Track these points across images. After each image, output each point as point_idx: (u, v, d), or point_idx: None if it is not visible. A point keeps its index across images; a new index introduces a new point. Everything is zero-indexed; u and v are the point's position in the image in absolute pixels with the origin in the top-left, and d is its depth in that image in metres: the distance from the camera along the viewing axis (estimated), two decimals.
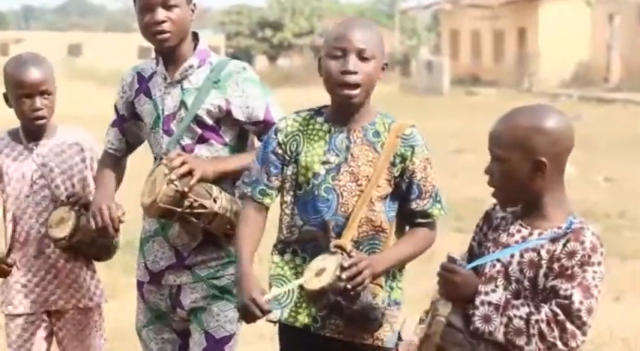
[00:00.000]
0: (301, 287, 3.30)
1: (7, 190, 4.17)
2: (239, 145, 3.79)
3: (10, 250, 4.10)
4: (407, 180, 3.38)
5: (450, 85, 37.48)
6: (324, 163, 3.37)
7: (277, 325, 3.46)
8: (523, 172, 2.94)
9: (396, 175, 3.37)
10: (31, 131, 4.17)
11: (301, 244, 3.39)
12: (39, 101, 4.07)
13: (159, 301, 3.86)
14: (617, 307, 7.04)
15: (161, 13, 3.65)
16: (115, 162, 3.96)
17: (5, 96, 4.15)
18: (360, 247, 3.35)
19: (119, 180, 4.00)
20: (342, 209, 3.34)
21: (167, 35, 3.68)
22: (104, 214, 3.76)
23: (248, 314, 3.30)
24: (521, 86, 37.06)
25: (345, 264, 3.20)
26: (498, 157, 2.97)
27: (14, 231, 4.17)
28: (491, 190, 3.04)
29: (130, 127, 3.92)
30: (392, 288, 3.42)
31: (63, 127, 4.21)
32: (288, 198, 3.42)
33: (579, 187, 12.01)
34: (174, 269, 3.79)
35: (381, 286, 3.36)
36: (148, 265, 3.84)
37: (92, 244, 4.09)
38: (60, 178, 4.14)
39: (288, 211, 3.42)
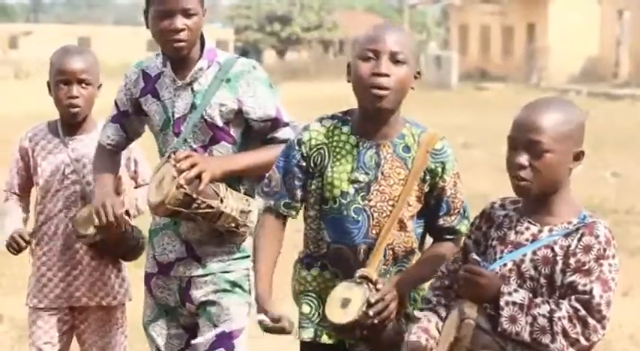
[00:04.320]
0: (325, 316, 3.17)
1: (40, 183, 4.16)
2: (245, 142, 3.78)
3: (32, 235, 4.13)
4: (436, 196, 3.24)
5: (458, 80, 37.45)
6: (352, 181, 3.21)
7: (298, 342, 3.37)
8: (566, 163, 2.91)
9: (426, 190, 3.23)
10: (69, 124, 4.16)
11: (331, 259, 3.27)
12: (76, 89, 4.07)
13: (167, 296, 3.84)
14: (625, 303, 7.00)
15: (180, 21, 3.60)
16: (112, 157, 3.95)
17: (48, 85, 4.15)
18: (390, 270, 3.25)
19: (116, 175, 4.00)
20: (374, 231, 3.20)
21: (184, 44, 3.63)
22: (108, 212, 3.77)
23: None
24: (529, 81, 37.02)
25: (372, 300, 3.09)
26: (540, 147, 2.88)
27: (44, 223, 4.17)
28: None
29: (131, 123, 3.89)
30: (415, 300, 3.30)
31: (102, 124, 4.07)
32: (312, 212, 3.29)
33: (587, 183, 11.99)
34: (185, 261, 3.78)
35: (405, 306, 3.25)
36: (156, 256, 3.84)
37: (118, 243, 4.07)
38: (92, 176, 4.05)
39: (314, 226, 3.29)
